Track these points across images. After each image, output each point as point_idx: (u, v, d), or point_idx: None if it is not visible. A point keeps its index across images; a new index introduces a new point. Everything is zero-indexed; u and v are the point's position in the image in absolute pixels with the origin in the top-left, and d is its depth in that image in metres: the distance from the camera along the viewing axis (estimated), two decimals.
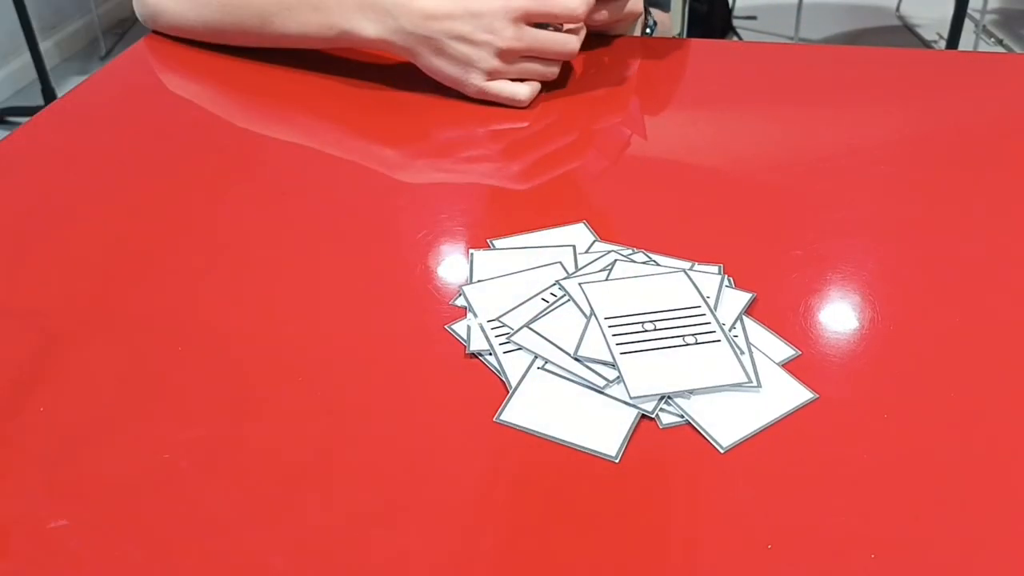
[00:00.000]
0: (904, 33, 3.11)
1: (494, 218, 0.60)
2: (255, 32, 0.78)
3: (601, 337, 0.47)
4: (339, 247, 0.57)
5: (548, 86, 0.77)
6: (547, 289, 0.51)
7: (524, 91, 0.72)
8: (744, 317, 0.49)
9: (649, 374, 0.45)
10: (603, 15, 0.78)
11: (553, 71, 0.74)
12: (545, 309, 0.50)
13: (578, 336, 0.47)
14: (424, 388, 0.46)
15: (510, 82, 0.72)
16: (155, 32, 0.86)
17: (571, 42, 0.72)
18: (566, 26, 0.74)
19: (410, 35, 0.71)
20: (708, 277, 0.52)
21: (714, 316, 0.49)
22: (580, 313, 0.49)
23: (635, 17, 0.82)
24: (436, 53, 0.72)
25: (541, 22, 0.71)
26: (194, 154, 0.69)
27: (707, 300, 0.50)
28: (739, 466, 0.41)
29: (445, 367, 0.47)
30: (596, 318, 0.48)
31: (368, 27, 0.72)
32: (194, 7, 0.80)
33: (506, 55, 0.70)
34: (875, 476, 0.41)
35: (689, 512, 0.40)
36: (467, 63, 0.71)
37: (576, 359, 0.46)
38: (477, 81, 0.71)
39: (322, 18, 0.74)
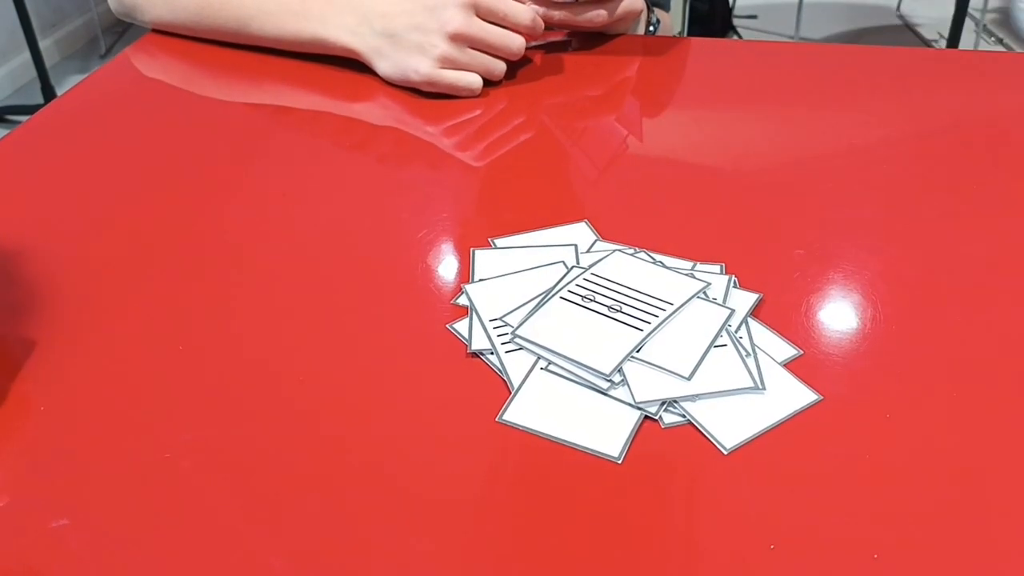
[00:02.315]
0: (904, 32, 3.11)
1: (495, 217, 0.60)
2: (231, 33, 0.81)
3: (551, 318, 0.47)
4: (340, 246, 0.57)
5: (549, 86, 0.77)
6: (564, 284, 0.51)
7: (477, 79, 0.74)
8: (748, 318, 0.49)
9: (654, 378, 0.45)
10: (600, 15, 0.78)
11: (499, 68, 0.75)
12: (544, 295, 0.49)
13: (578, 338, 0.47)
14: (425, 387, 0.46)
15: (462, 71, 0.73)
16: (155, 31, 0.86)
17: (516, 40, 0.75)
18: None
19: (376, 36, 0.74)
20: (714, 278, 0.52)
21: (669, 318, 0.49)
22: (577, 309, 0.49)
23: (635, 16, 0.82)
24: (394, 47, 0.74)
25: (490, 20, 0.74)
26: (194, 153, 0.68)
27: (713, 300, 0.50)
28: (742, 466, 0.41)
29: (446, 366, 0.47)
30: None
31: (342, 35, 0.76)
32: (171, 9, 0.83)
33: (455, 39, 0.72)
34: (877, 476, 0.41)
35: (692, 513, 0.39)
36: (419, 50, 0.73)
37: (578, 363, 0.46)
38: (427, 68, 0.73)
39: (300, 24, 0.78)
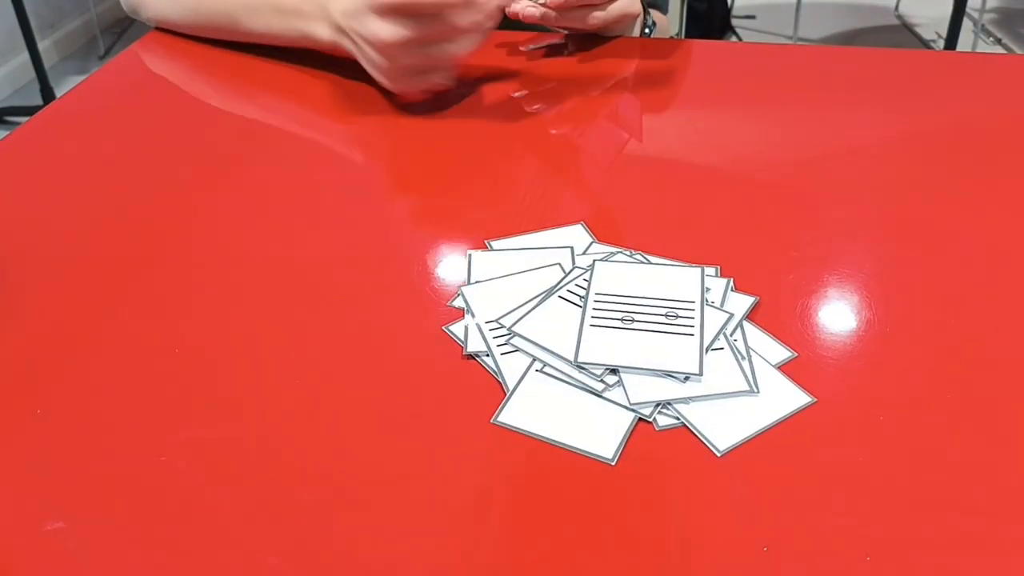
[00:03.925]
0: (903, 32, 3.11)
1: (492, 219, 0.60)
2: (227, 29, 0.81)
3: (598, 340, 0.47)
4: (337, 247, 0.57)
5: (546, 88, 0.77)
6: (561, 285, 0.51)
7: (445, 74, 0.68)
8: (744, 321, 0.49)
9: (649, 380, 0.45)
10: (597, 17, 0.78)
11: (462, 49, 0.66)
12: (541, 296, 0.50)
13: (575, 340, 0.47)
14: (421, 389, 0.46)
15: (423, 74, 0.68)
16: (159, 29, 0.86)
17: (467, 16, 0.64)
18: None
19: (345, 37, 0.71)
20: (711, 281, 0.52)
21: (702, 314, 0.49)
22: (575, 309, 0.49)
23: (632, 18, 0.82)
24: (359, 53, 0.70)
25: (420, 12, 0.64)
26: (192, 154, 0.69)
27: (712, 304, 0.50)
28: (735, 468, 0.42)
29: (442, 368, 0.47)
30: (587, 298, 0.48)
31: (322, 31, 0.73)
32: (172, 3, 0.84)
33: (387, 51, 0.65)
34: (870, 478, 0.41)
35: (686, 514, 0.40)
36: (373, 65, 0.69)
37: (578, 366, 0.46)
38: (389, 85, 0.69)
39: (283, 21, 0.77)
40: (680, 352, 0.46)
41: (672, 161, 0.67)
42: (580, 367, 0.46)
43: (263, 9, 0.78)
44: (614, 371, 0.46)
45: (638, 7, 0.82)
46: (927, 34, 3.07)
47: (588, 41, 0.83)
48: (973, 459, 0.42)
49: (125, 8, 0.88)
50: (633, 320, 0.48)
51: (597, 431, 0.43)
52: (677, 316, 0.48)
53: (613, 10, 0.79)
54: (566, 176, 0.66)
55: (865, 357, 0.48)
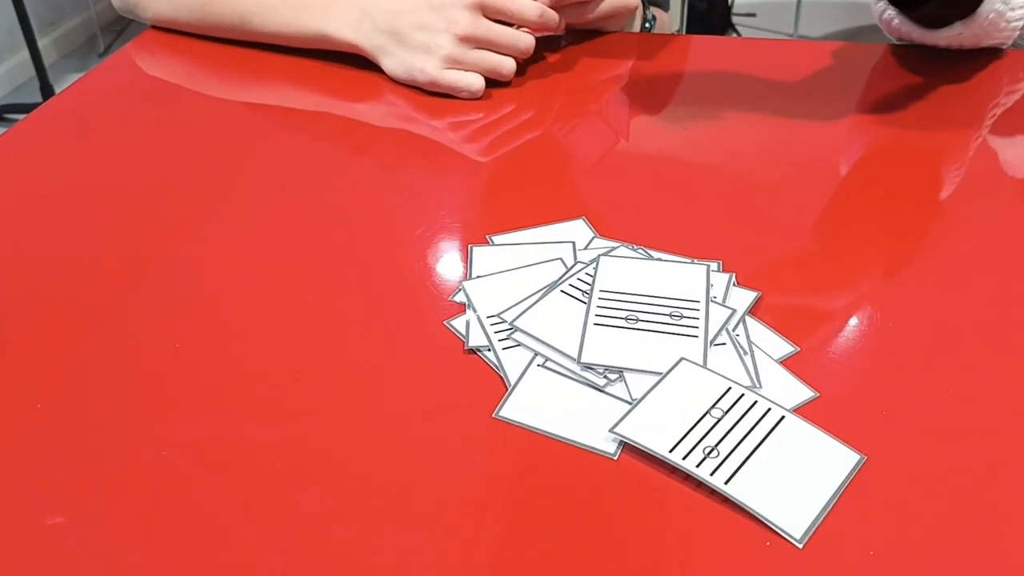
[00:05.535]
0: None
1: (493, 214, 0.60)
2: (233, 29, 0.81)
3: (602, 340, 0.47)
4: (338, 243, 0.57)
5: (545, 83, 0.77)
6: (565, 279, 0.51)
7: (479, 80, 0.73)
8: (746, 316, 0.49)
9: (651, 376, 0.45)
10: (592, 12, 0.78)
11: (508, 66, 0.74)
12: (543, 291, 0.49)
13: (579, 338, 0.47)
14: (423, 384, 0.46)
15: (465, 72, 0.73)
16: (154, 27, 0.86)
17: (525, 39, 0.74)
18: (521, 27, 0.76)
19: (380, 34, 0.74)
20: (714, 275, 0.52)
21: (706, 315, 0.49)
22: (577, 303, 0.49)
23: (629, 13, 0.82)
24: (399, 46, 0.74)
25: (497, 18, 0.73)
26: (192, 151, 0.69)
27: (714, 299, 0.50)
28: None
29: (444, 363, 0.47)
30: (591, 294, 0.48)
31: (345, 30, 0.76)
32: (173, 5, 0.83)
33: (462, 41, 0.72)
34: (873, 473, 0.41)
35: (687, 509, 0.40)
36: (425, 50, 0.73)
37: (581, 364, 0.46)
38: (432, 69, 0.72)
39: (303, 19, 0.77)
40: (684, 354, 0.46)
41: (673, 156, 0.67)
42: (583, 367, 0.46)
43: (278, 8, 0.78)
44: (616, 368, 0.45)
45: (635, 1, 0.82)
46: None
47: (585, 36, 0.83)
48: (975, 455, 0.42)
49: (118, 7, 0.87)
50: (638, 320, 0.48)
51: (599, 426, 0.43)
52: (682, 316, 0.48)
53: (607, 5, 0.79)
54: (567, 171, 0.65)
55: (867, 352, 0.48)
